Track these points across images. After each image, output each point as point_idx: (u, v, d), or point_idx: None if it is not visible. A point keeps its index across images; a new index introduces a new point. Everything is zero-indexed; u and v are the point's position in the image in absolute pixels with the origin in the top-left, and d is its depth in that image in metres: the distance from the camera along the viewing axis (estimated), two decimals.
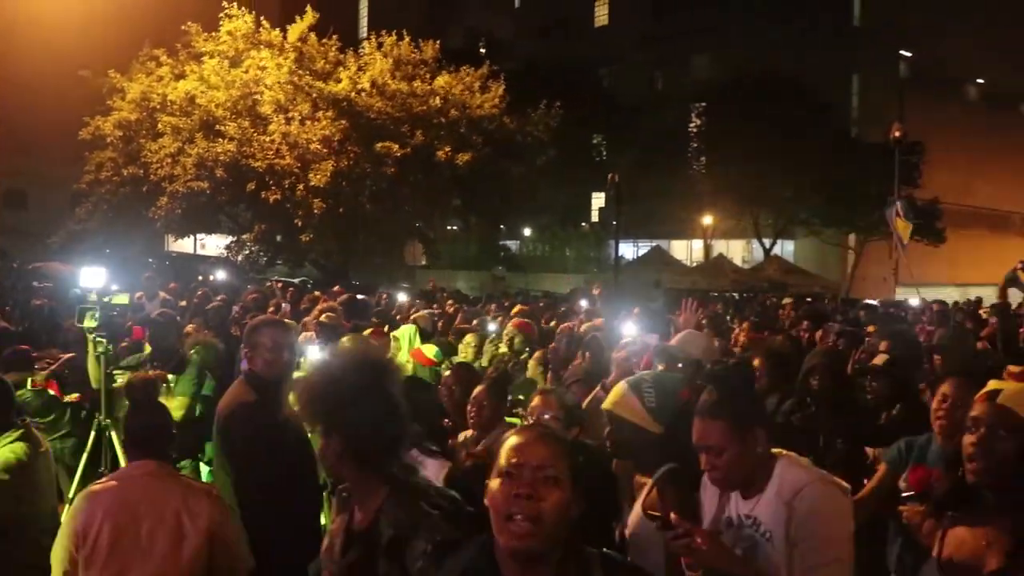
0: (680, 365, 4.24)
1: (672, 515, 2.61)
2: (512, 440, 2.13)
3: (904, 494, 3.89)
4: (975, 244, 38.76)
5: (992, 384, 2.59)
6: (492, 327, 9.19)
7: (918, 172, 34.51)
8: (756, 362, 5.89)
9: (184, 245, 35.83)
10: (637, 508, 3.10)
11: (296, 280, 21.56)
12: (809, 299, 21.94)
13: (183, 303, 12.11)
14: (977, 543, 2.50)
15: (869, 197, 33.85)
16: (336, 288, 16.15)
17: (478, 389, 4.58)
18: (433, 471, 3.64)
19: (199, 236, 31.33)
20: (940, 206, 35.80)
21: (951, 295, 23.10)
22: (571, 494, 2.07)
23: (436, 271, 33.01)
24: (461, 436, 4.70)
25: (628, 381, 3.31)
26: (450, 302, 14.29)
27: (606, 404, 3.30)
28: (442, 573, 2.22)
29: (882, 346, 6.15)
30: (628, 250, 41.08)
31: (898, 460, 4.10)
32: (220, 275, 21.25)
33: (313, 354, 6.56)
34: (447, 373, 5.31)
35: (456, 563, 2.18)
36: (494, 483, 2.09)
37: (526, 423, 3.94)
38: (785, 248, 39.93)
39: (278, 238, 24.74)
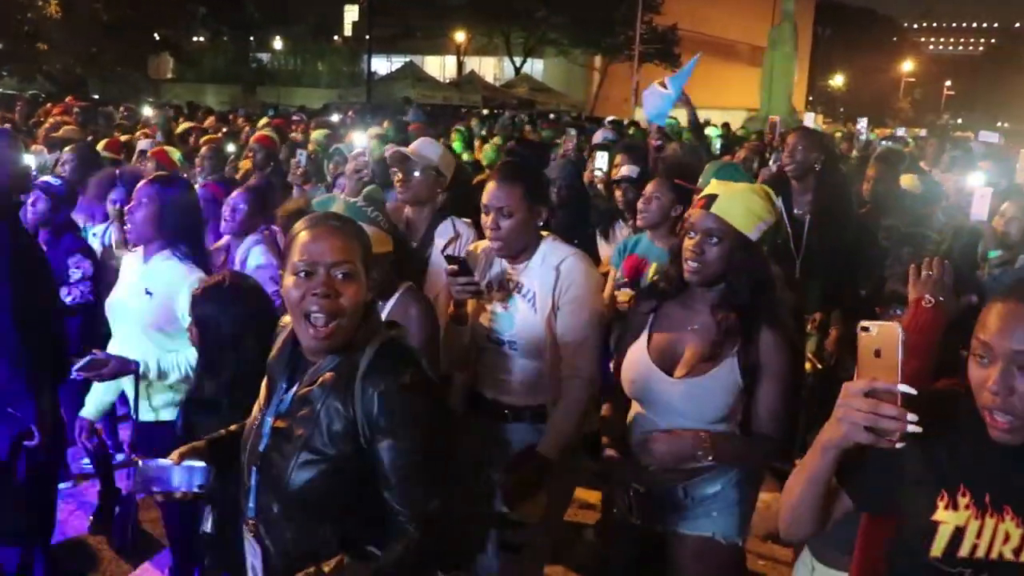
0: (417, 173, 4.05)
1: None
2: (304, 236, 2.09)
3: (619, 281, 4.50)
4: (706, 70, 41.06)
5: (712, 187, 2.73)
6: (231, 148, 8.72)
7: None
8: None
9: None
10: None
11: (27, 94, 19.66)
12: (552, 115, 22.83)
13: None
14: (683, 324, 2.76)
15: (615, 21, 34.94)
16: (69, 99, 15.03)
17: (236, 192, 4.50)
18: (181, 276, 3.56)
19: None
20: (678, 32, 37.58)
21: (682, 115, 24.68)
22: (366, 281, 2.10)
23: (184, 85, 31.02)
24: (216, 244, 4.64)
25: (348, 209, 3.06)
26: (211, 119, 13.67)
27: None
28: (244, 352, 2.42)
29: (618, 159, 6.69)
30: (381, 65, 40.33)
31: (618, 256, 4.56)
32: None
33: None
34: (198, 186, 5.12)
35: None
36: (289, 280, 2.07)
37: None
38: (535, 67, 40.70)
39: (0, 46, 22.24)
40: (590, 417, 3.26)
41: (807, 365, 4.12)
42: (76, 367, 3.36)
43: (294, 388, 2.15)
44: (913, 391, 1.56)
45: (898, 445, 1.57)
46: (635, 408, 2.90)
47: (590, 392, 3.11)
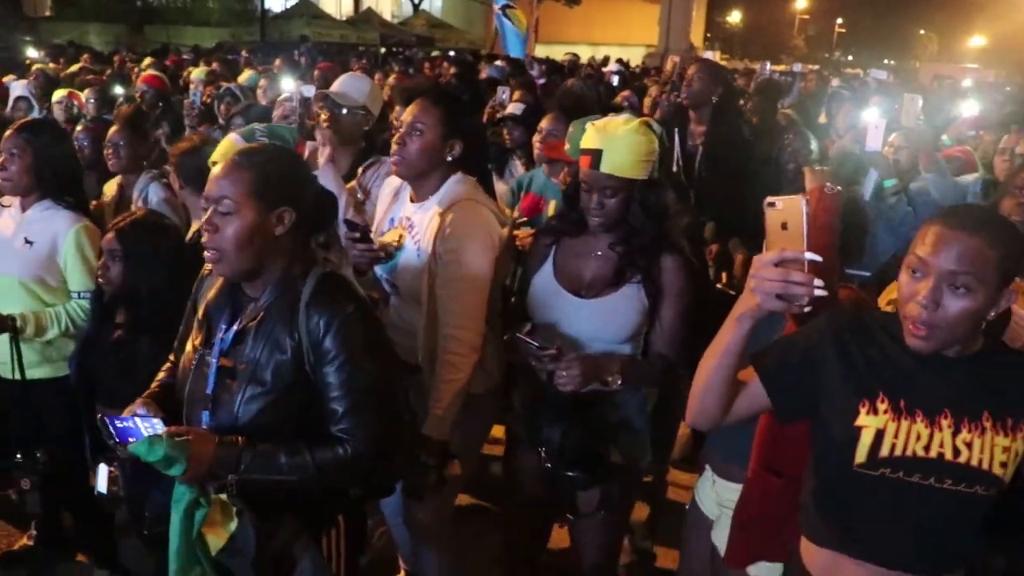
0: (345, 111, 3.97)
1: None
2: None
3: (517, 219, 4.47)
4: (605, 6, 41.11)
5: (591, 138, 2.73)
6: (120, 90, 8.35)
7: None
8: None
9: None
10: None
11: None
12: (452, 53, 22.56)
13: None
14: (585, 251, 2.83)
15: None
16: None
17: (112, 130, 4.38)
18: (65, 223, 3.47)
19: None
20: None
21: (585, 52, 24.65)
22: (256, 217, 2.09)
23: (64, 23, 29.43)
24: (106, 187, 4.59)
25: (240, 133, 3.22)
26: (85, 56, 12.97)
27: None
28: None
29: (515, 96, 6.67)
30: (275, 2, 39.06)
31: (514, 195, 4.54)
32: None
33: None
34: (79, 128, 5.05)
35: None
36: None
37: None
38: (433, 4, 40.01)
39: None
40: (486, 375, 3.13)
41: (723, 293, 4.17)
42: None
43: (235, 325, 2.18)
44: (819, 258, 1.66)
45: (806, 309, 1.68)
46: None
47: (470, 351, 2.96)
